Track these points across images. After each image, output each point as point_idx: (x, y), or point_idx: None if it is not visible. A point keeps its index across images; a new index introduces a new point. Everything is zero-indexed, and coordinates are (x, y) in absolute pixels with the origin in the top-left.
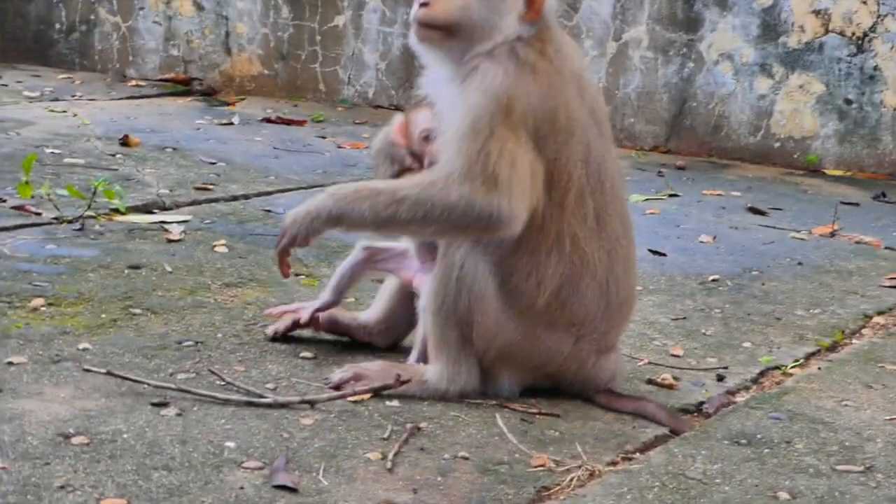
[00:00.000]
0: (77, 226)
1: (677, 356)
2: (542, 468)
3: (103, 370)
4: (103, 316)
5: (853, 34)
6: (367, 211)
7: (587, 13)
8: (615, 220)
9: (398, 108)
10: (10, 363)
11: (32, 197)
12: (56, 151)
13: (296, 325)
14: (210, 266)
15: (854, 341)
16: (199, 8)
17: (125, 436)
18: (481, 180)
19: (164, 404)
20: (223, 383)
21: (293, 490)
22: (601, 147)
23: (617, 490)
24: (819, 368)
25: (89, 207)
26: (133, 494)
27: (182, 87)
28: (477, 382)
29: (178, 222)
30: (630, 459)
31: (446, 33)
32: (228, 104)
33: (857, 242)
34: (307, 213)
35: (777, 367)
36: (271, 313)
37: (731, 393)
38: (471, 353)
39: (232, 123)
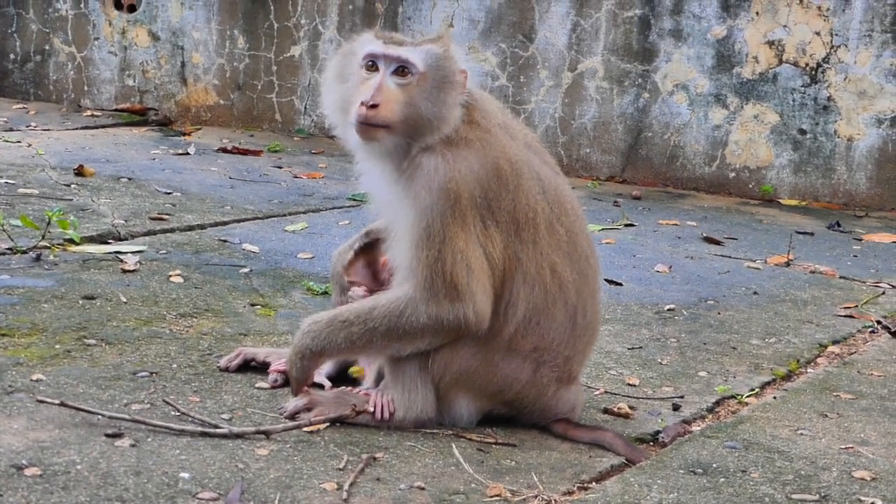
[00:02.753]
0: (31, 256)
1: (633, 385)
2: (498, 498)
3: (57, 401)
4: (57, 347)
5: (807, 65)
6: (344, 342)
7: (543, 44)
8: (582, 238)
9: None
10: None
11: None
12: (10, 182)
13: (247, 363)
14: (165, 296)
15: (809, 370)
16: (155, 38)
17: (79, 467)
18: (444, 293)
19: (118, 435)
20: (178, 414)
21: None
22: (549, 172)
23: None
24: (774, 397)
25: (43, 238)
26: None
27: (138, 117)
28: (433, 409)
29: (133, 252)
30: (586, 489)
31: (391, 131)
32: (184, 134)
33: (812, 272)
34: (295, 355)
35: (733, 397)
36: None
37: (687, 422)
38: (427, 379)
39: (188, 153)
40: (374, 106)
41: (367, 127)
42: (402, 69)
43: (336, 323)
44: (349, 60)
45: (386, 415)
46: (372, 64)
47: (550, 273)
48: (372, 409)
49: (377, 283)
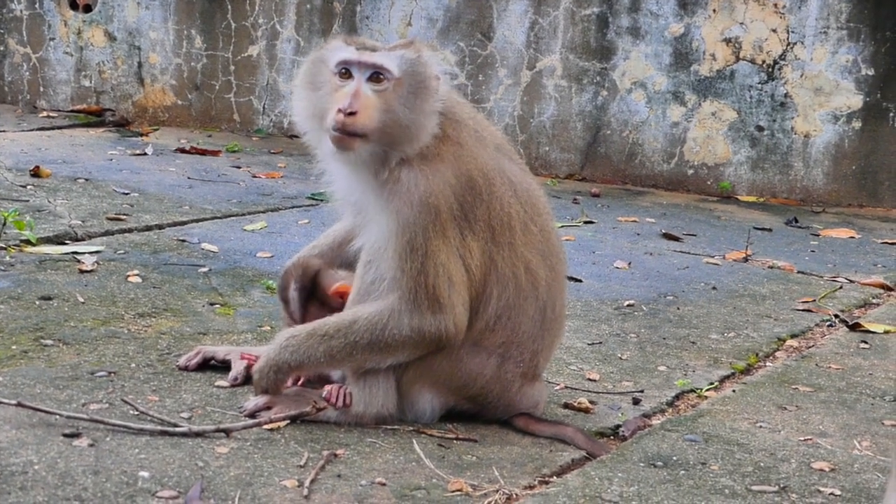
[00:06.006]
0: None
1: (593, 380)
2: (459, 493)
3: (13, 402)
4: (14, 347)
5: (763, 62)
6: (323, 356)
7: (501, 42)
8: (553, 235)
9: None
10: None
11: None
12: None
13: (207, 362)
14: (123, 296)
15: (768, 364)
16: (111, 38)
17: (36, 467)
18: (426, 305)
19: (76, 435)
20: (137, 413)
21: None
22: (518, 172)
23: None
24: (734, 391)
25: None
26: None
27: (94, 117)
28: (393, 405)
29: (90, 253)
30: (547, 483)
31: (367, 140)
32: (142, 135)
33: (770, 267)
34: (269, 367)
35: (692, 390)
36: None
37: (647, 416)
38: (388, 374)
39: (145, 154)
40: (351, 113)
41: (344, 136)
42: (377, 75)
43: (315, 337)
44: (320, 67)
45: (341, 403)
46: (345, 71)
47: (525, 271)
48: (327, 399)
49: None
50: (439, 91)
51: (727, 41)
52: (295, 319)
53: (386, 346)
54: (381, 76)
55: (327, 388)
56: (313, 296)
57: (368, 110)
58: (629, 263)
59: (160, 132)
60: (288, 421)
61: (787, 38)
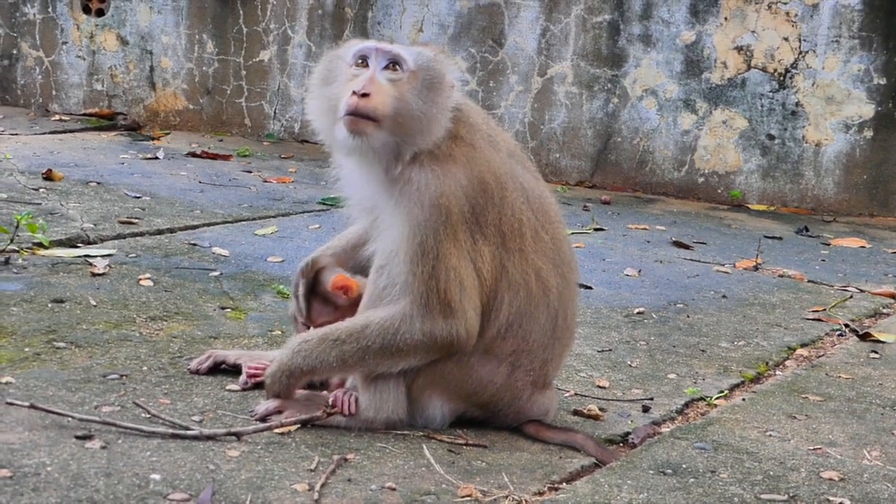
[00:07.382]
0: (0, 260)
1: (603, 387)
2: (469, 498)
3: (26, 403)
4: (27, 350)
5: (775, 70)
6: (335, 361)
7: (512, 48)
8: (565, 244)
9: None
10: None
11: None
12: None
13: (218, 365)
14: (135, 299)
15: (778, 373)
16: (124, 42)
17: (49, 469)
18: (438, 310)
19: (88, 437)
20: (148, 416)
21: None
22: (531, 179)
23: None
24: (743, 399)
25: (12, 241)
26: None
27: (106, 121)
28: (403, 410)
29: (102, 256)
30: (557, 489)
31: (380, 126)
32: (153, 139)
33: (781, 276)
34: (281, 372)
35: (702, 398)
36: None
37: (657, 423)
38: (399, 380)
39: (157, 158)
40: (365, 95)
41: (357, 119)
42: (393, 64)
43: (328, 341)
44: (336, 63)
45: (346, 410)
46: (362, 60)
47: (535, 278)
48: (334, 406)
49: (338, 312)
50: (453, 92)
51: (739, 49)
52: (301, 316)
53: (397, 350)
54: (397, 65)
55: (334, 394)
56: (315, 292)
57: (382, 95)
58: (639, 271)
59: (171, 136)
60: (299, 425)
61: (799, 47)
